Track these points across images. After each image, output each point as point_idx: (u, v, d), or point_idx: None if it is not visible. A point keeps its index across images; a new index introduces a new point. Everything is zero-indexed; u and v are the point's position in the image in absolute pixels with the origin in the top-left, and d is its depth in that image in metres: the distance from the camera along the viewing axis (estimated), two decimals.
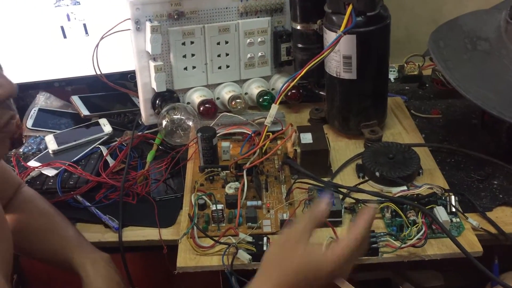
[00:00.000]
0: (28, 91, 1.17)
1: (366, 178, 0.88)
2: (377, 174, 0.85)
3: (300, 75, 0.82)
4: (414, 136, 1.00)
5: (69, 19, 1.09)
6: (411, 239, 0.73)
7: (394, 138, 0.99)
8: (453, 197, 0.80)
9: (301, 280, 0.57)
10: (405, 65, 1.25)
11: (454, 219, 0.78)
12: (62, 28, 1.09)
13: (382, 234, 0.75)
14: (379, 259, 0.73)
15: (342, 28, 0.84)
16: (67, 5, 1.08)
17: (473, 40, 0.91)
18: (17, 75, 1.10)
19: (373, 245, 0.73)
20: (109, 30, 0.99)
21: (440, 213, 0.76)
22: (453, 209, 0.79)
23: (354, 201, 0.81)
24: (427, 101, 1.14)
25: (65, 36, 1.10)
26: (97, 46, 1.00)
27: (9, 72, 0.61)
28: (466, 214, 0.79)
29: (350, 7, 0.84)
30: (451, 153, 0.96)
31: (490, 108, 0.81)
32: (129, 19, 0.96)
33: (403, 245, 0.72)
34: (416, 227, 0.75)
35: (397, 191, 0.82)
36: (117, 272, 0.78)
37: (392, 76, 1.25)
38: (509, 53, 0.87)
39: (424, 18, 1.39)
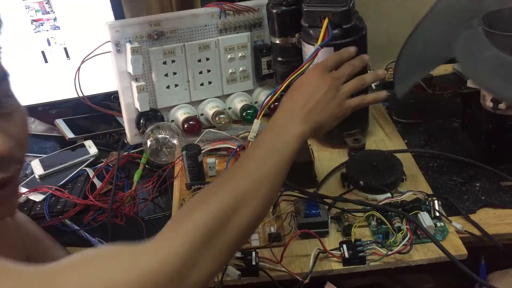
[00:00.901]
0: None
1: (351, 187, 0.89)
2: (361, 182, 0.86)
3: (280, 89, 0.83)
4: (397, 142, 1.02)
5: (49, 44, 1.10)
6: (397, 246, 0.74)
7: (377, 145, 1.01)
8: (436, 201, 0.81)
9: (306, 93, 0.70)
10: (385, 71, 1.27)
11: (438, 224, 0.79)
12: (43, 52, 1.10)
13: (368, 242, 0.76)
14: (367, 268, 0.74)
15: (319, 42, 0.85)
16: (47, 30, 1.08)
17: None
18: None
19: (360, 254, 0.74)
20: (90, 53, 1.00)
21: (424, 218, 0.78)
22: (437, 214, 0.80)
23: (339, 210, 0.82)
24: (408, 106, 1.16)
25: (46, 61, 1.11)
26: (78, 69, 1.00)
27: None
28: (450, 218, 0.80)
29: (326, 20, 0.86)
30: (433, 157, 0.98)
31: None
32: (109, 41, 0.97)
33: (389, 252, 0.73)
34: (401, 233, 0.76)
35: (381, 198, 0.83)
36: None
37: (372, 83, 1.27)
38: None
39: (403, 22, 1.41)
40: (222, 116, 1.06)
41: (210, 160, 0.95)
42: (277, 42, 1.04)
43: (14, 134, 0.53)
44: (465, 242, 0.77)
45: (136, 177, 0.99)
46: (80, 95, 1.03)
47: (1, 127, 0.52)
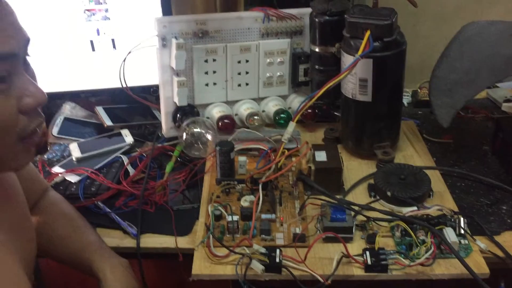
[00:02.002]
0: (55, 100, 1.22)
1: (378, 198, 0.91)
2: (389, 193, 0.88)
3: (318, 95, 0.86)
4: (426, 159, 1.03)
5: (98, 34, 1.14)
6: (420, 258, 0.75)
7: (406, 160, 1.02)
8: (462, 219, 0.82)
9: None
10: (419, 90, 1.28)
11: (462, 241, 0.79)
12: (91, 41, 1.15)
13: (391, 252, 0.77)
14: (388, 276, 0.75)
15: (359, 52, 0.87)
16: (98, 20, 1.13)
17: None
18: (46, 85, 1.15)
19: (382, 262, 0.75)
20: (136, 46, 1.04)
21: (449, 234, 0.79)
22: (462, 231, 0.81)
23: (365, 218, 0.84)
24: (439, 126, 1.17)
25: (93, 50, 1.15)
26: (124, 60, 1.04)
27: (38, 81, 0.64)
28: (474, 237, 0.81)
29: (368, 32, 0.88)
30: (461, 177, 0.98)
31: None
32: (156, 35, 1.01)
33: (412, 263, 0.75)
34: (425, 246, 0.77)
35: (407, 211, 0.84)
36: (134, 278, 0.80)
37: (405, 100, 1.29)
38: None
39: (438, 45, 1.42)
40: (256, 117, 1.09)
41: (242, 158, 0.98)
42: (317, 50, 1.06)
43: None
44: (487, 263, 0.77)
45: (168, 168, 1.03)
46: (124, 85, 1.07)
47: (33, 81, 0.60)
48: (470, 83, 0.93)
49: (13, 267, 0.62)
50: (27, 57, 0.62)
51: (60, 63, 1.14)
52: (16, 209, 0.72)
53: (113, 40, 1.15)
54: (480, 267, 0.76)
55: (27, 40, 0.59)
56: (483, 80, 0.93)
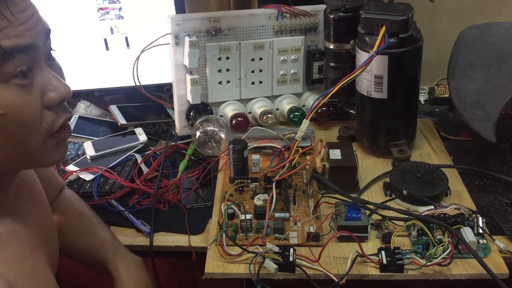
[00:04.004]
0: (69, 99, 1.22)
1: (393, 196, 0.89)
2: (405, 192, 0.86)
3: (332, 92, 0.84)
4: (443, 157, 1.01)
5: (112, 32, 1.15)
6: (437, 258, 0.74)
7: (423, 158, 1.00)
8: (480, 218, 0.80)
9: None
10: (436, 87, 1.26)
11: (481, 241, 0.78)
12: (105, 40, 1.15)
13: (407, 251, 0.76)
14: (404, 276, 0.74)
15: (375, 48, 0.86)
16: (111, 19, 1.13)
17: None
18: None
19: (398, 262, 0.74)
20: (150, 44, 1.04)
21: (467, 233, 0.77)
22: (480, 231, 0.79)
23: (380, 217, 0.83)
24: (457, 123, 1.15)
25: (107, 48, 1.16)
26: (137, 58, 1.04)
27: None
28: (493, 236, 0.79)
29: (384, 28, 0.87)
30: (479, 175, 0.96)
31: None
32: (169, 33, 1.01)
33: (429, 263, 0.73)
34: (442, 246, 0.75)
35: (424, 210, 0.82)
36: (148, 276, 0.80)
37: (422, 98, 1.27)
38: None
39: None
40: (269, 115, 1.08)
41: (255, 156, 0.97)
42: (331, 47, 1.05)
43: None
44: (506, 263, 0.76)
45: (181, 167, 1.02)
46: (137, 84, 1.07)
47: (57, 75, 0.59)
48: (494, 90, 0.92)
49: (46, 270, 0.62)
50: (52, 52, 0.61)
51: (74, 61, 1.15)
52: (40, 210, 0.72)
53: (126, 39, 1.15)
54: (499, 267, 0.74)
55: (47, 31, 0.57)
56: (507, 85, 0.91)
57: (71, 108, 1.18)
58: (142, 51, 1.04)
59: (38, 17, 0.56)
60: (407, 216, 0.81)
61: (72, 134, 1.11)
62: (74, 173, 1.00)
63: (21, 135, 0.56)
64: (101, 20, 1.13)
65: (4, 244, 0.58)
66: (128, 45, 1.16)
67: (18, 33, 0.52)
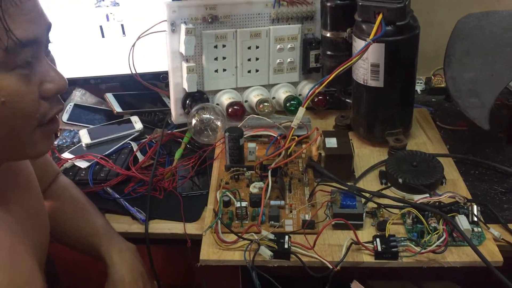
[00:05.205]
0: None
1: (389, 185, 0.89)
2: (400, 180, 0.86)
3: (328, 80, 0.84)
4: (439, 147, 1.01)
5: (108, 19, 1.14)
6: (431, 245, 0.74)
7: (419, 147, 1.00)
8: (475, 206, 0.80)
9: None
10: (432, 77, 1.26)
11: (475, 229, 0.78)
12: (101, 27, 1.14)
13: (402, 239, 0.76)
14: (399, 263, 0.74)
15: (371, 36, 0.86)
16: (107, 6, 1.12)
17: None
18: None
19: (393, 249, 0.74)
20: (146, 31, 1.03)
21: (462, 221, 0.77)
22: (475, 219, 0.79)
23: (376, 205, 0.83)
24: (453, 113, 1.15)
25: (103, 36, 1.15)
26: (133, 45, 1.04)
27: None
28: (488, 225, 0.79)
29: (380, 16, 0.86)
30: (475, 165, 0.96)
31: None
32: (165, 21, 1.00)
33: (423, 251, 0.73)
34: (436, 234, 0.76)
35: (419, 198, 0.82)
36: (141, 263, 0.80)
37: (419, 87, 1.26)
38: None
39: None
40: (266, 104, 1.08)
41: (251, 145, 0.97)
42: (328, 35, 1.04)
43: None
44: (500, 251, 0.76)
45: (177, 155, 1.02)
46: (133, 71, 1.06)
47: (54, 67, 0.60)
48: (490, 78, 0.91)
49: (25, 257, 0.62)
50: (49, 44, 0.61)
51: (70, 49, 1.14)
52: (31, 197, 0.71)
53: (122, 26, 1.14)
54: (494, 255, 0.74)
55: (49, 25, 0.59)
56: (503, 73, 0.91)
57: (67, 96, 1.20)
58: (138, 38, 1.04)
59: (41, 11, 0.57)
60: (402, 204, 0.81)
61: (67, 122, 1.13)
62: (69, 161, 0.99)
63: (16, 124, 0.56)
64: (96, 7, 1.12)
65: None
66: (124, 33, 1.15)
67: (28, 25, 0.54)
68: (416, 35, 0.93)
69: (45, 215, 0.74)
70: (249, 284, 0.75)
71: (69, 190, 0.87)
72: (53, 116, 0.61)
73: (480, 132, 1.06)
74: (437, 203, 0.81)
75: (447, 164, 0.93)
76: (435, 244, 0.74)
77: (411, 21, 0.91)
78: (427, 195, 0.83)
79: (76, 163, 0.99)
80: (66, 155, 1.01)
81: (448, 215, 0.78)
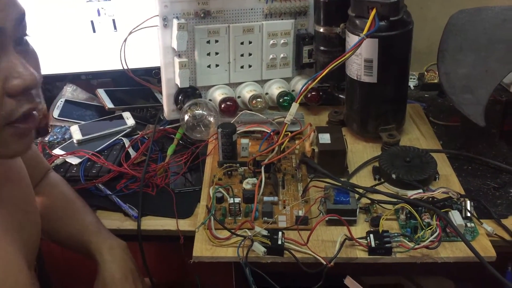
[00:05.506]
0: (55, 82, 1.21)
1: (382, 180, 0.89)
2: (394, 176, 0.86)
3: (321, 75, 0.84)
4: (432, 143, 1.01)
5: (99, 14, 1.12)
6: (425, 241, 0.74)
7: (412, 143, 1.00)
8: (468, 202, 0.80)
9: None
10: (426, 73, 1.26)
11: (468, 224, 0.78)
12: (92, 22, 1.13)
13: (396, 234, 0.76)
14: (392, 259, 0.74)
15: (365, 31, 0.85)
16: (98, 1, 1.11)
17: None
18: (46, 67, 1.13)
19: (386, 245, 0.74)
20: (137, 26, 1.02)
21: (455, 217, 0.77)
22: (468, 214, 0.79)
23: (369, 201, 0.82)
24: (446, 109, 1.15)
25: (94, 31, 1.14)
26: (125, 40, 1.02)
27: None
28: (481, 220, 0.80)
29: (374, 11, 0.86)
30: (468, 160, 0.97)
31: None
32: (157, 15, 0.99)
33: (417, 246, 0.73)
34: (430, 229, 0.75)
35: (412, 193, 0.82)
36: (132, 260, 0.79)
37: (412, 83, 1.26)
38: None
39: None
40: (259, 100, 1.07)
41: (244, 141, 0.96)
42: (321, 31, 1.04)
43: (35, 68, 0.56)
44: (493, 247, 0.76)
45: (169, 151, 1.01)
46: (125, 67, 1.05)
47: (25, 61, 0.55)
48: (484, 74, 0.91)
49: (13, 256, 0.61)
50: (27, 38, 0.58)
51: (61, 44, 1.13)
52: (23, 193, 0.70)
53: (113, 21, 1.13)
54: (487, 250, 0.74)
55: (20, 14, 0.54)
56: (496, 70, 0.91)
57: (57, 91, 1.18)
58: (130, 33, 1.03)
59: None
60: (395, 200, 0.81)
61: (58, 118, 1.11)
62: (60, 157, 0.98)
63: None
64: (87, 1, 1.11)
65: None
66: (115, 28, 1.14)
67: None
68: (410, 30, 0.93)
69: (36, 212, 0.73)
70: (242, 281, 0.75)
71: (59, 187, 0.86)
72: (23, 114, 0.55)
73: (473, 128, 1.07)
74: (430, 199, 0.80)
75: (440, 160, 0.93)
76: (429, 240, 0.74)
77: (405, 16, 0.91)
78: (421, 190, 0.83)
79: (67, 160, 0.98)
80: (57, 151, 1.00)
81: (442, 210, 0.78)
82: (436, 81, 1.23)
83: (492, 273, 0.69)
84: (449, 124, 1.09)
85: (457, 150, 0.99)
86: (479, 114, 0.88)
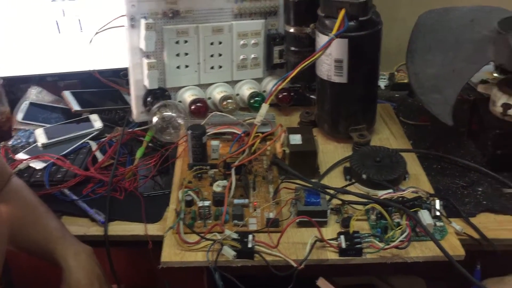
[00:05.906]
0: (19, 84, 1.17)
1: (353, 181, 0.89)
2: (364, 176, 0.86)
3: (292, 75, 0.83)
4: (402, 142, 1.02)
5: (64, 15, 1.09)
6: (395, 241, 0.74)
7: (382, 143, 1.01)
8: (437, 201, 0.81)
9: None
10: (396, 73, 1.27)
11: (438, 223, 0.78)
12: (57, 23, 1.10)
13: (366, 235, 0.76)
14: (363, 260, 0.74)
15: (334, 31, 0.85)
16: (63, 1, 1.08)
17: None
18: (9, 68, 1.10)
19: (357, 246, 0.74)
20: (104, 26, 0.99)
21: (425, 216, 0.77)
22: (437, 213, 0.80)
23: (340, 202, 0.82)
24: (416, 109, 1.16)
25: (59, 31, 1.10)
26: (91, 41, 1.00)
27: (1, 65, 0.57)
28: (450, 219, 0.80)
29: (343, 11, 0.86)
30: (437, 159, 0.97)
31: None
32: (124, 15, 0.97)
33: (387, 246, 0.73)
34: (400, 229, 0.76)
35: (382, 193, 0.82)
36: (98, 266, 0.77)
37: (382, 83, 1.27)
38: None
39: None
40: (229, 101, 1.06)
41: (214, 142, 0.95)
42: (291, 31, 1.03)
43: None
44: (462, 245, 0.77)
45: (138, 154, 0.99)
46: (91, 68, 1.02)
47: None
48: (451, 74, 0.92)
49: None
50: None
51: (25, 45, 1.09)
52: None
53: (79, 21, 1.10)
54: (456, 249, 0.75)
55: None
56: (464, 70, 0.92)
57: (21, 94, 1.15)
58: (96, 33, 1.00)
59: None
60: (366, 200, 0.81)
61: (22, 121, 1.08)
62: (24, 161, 0.95)
63: None
64: (52, 1, 1.07)
65: None
66: (81, 28, 1.11)
67: None
68: (379, 30, 0.93)
69: (0, 222, 0.70)
70: (214, 285, 0.74)
71: (22, 193, 0.83)
72: None
73: (442, 127, 1.07)
74: (400, 198, 0.81)
75: (410, 159, 0.94)
76: (399, 240, 0.74)
77: (374, 17, 0.91)
78: (391, 190, 0.83)
79: (31, 164, 0.95)
80: (21, 155, 0.97)
81: (411, 210, 0.78)
82: (406, 81, 1.24)
83: (460, 271, 0.70)
84: (418, 123, 1.10)
85: (426, 149, 1.00)
86: (447, 114, 0.88)
